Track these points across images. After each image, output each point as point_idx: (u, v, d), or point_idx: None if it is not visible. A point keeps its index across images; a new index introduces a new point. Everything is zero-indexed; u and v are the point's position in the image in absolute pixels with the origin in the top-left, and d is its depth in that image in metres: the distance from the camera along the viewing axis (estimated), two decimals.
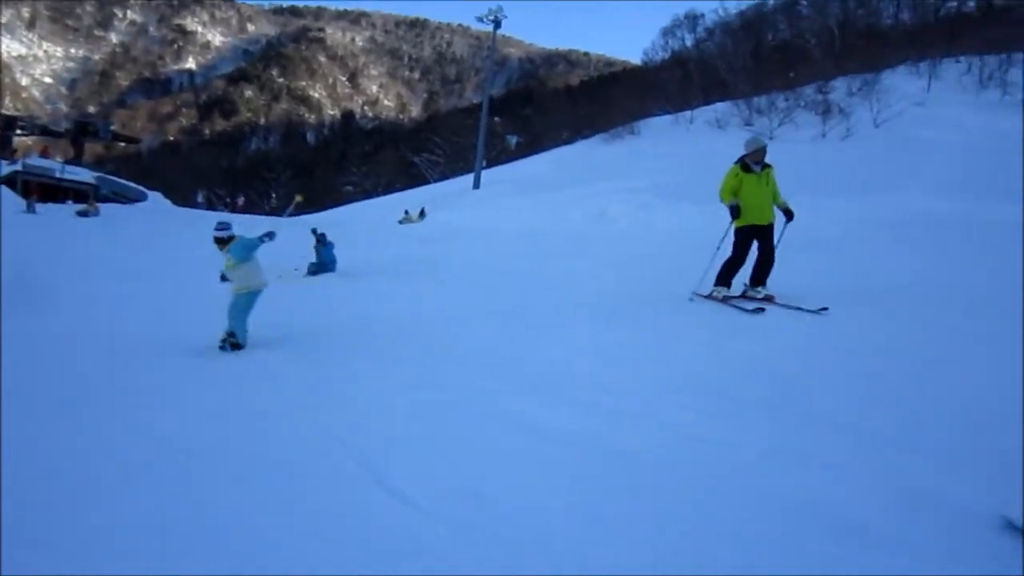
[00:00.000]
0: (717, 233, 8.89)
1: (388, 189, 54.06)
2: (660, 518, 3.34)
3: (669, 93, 43.84)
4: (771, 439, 4.26)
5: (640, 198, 22.85)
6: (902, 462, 3.86)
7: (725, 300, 8.32)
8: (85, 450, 4.43)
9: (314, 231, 14.10)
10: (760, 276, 8.42)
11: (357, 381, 5.93)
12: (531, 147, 52.34)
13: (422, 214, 28.30)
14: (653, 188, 24.03)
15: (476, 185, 34.42)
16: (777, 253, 8.38)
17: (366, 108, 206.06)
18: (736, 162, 8.60)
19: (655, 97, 44.08)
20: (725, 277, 8.54)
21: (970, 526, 3.16)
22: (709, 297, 8.51)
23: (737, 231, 8.52)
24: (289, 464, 4.15)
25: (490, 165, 41.62)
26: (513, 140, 60.30)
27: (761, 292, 8.30)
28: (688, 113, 38.45)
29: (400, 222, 27.47)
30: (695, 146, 31.79)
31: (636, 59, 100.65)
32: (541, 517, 3.39)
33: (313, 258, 13.86)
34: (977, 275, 9.51)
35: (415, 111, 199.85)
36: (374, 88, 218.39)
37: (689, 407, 4.90)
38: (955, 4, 49.00)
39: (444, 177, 48.59)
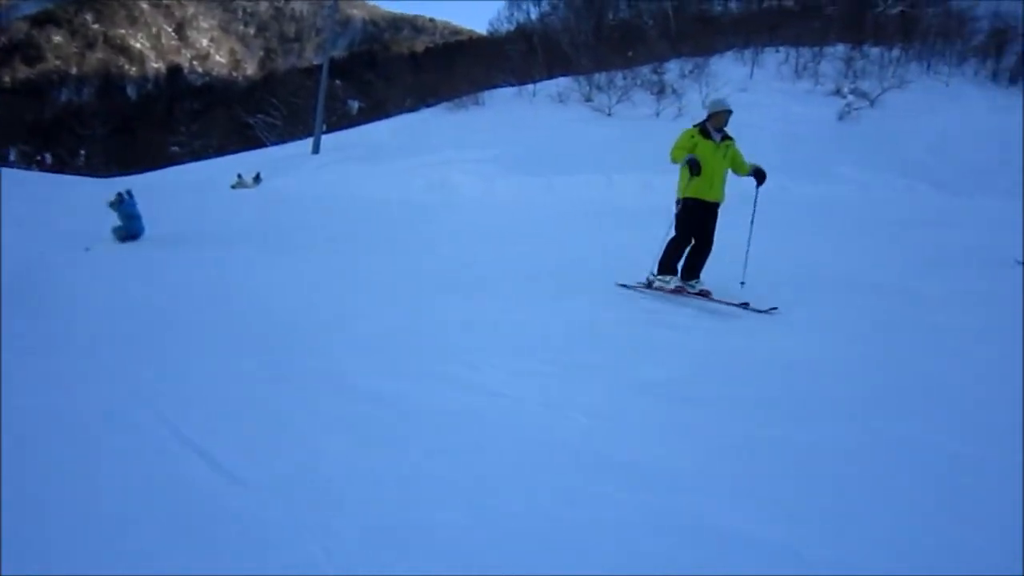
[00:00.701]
0: (557, 203, 8.97)
1: (220, 152, 50.63)
2: (486, 477, 3.43)
3: (514, 65, 43.92)
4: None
5: (483, 168, 22.81)
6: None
7: (678, 291, 7.45)
8: None
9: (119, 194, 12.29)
10: (694, 265, 7.51)
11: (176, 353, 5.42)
12: (374, 113, 50.89)
13: (257, 179, 26.72)
14: (496, 159, 24.06)
15: (316, 150, 32.94)
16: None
17: (195, 63, 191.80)
18: (695, 124, 7.67)
19: (500, 68, 44.02)
20: (669, 262, 7.52)
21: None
22: (650, 288, 7.61)
23: (683, 204, 7.50)
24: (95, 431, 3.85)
25: (331, 130, 40.06)
26: (355, 105, 58.42)
27: (696, 286, 7.47)
28: (531, 86, 38.73)
29: (233, 187, 25.79)
30: (538, 119, 32.16)
31: (482, 29, 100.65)
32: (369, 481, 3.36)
33: (118, 221, 11.95)
34: (798, 248, 10.50)
35: (250, 69, 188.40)
36: (204, 42, 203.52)
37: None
38: None
39: (282, 140, 46.09)
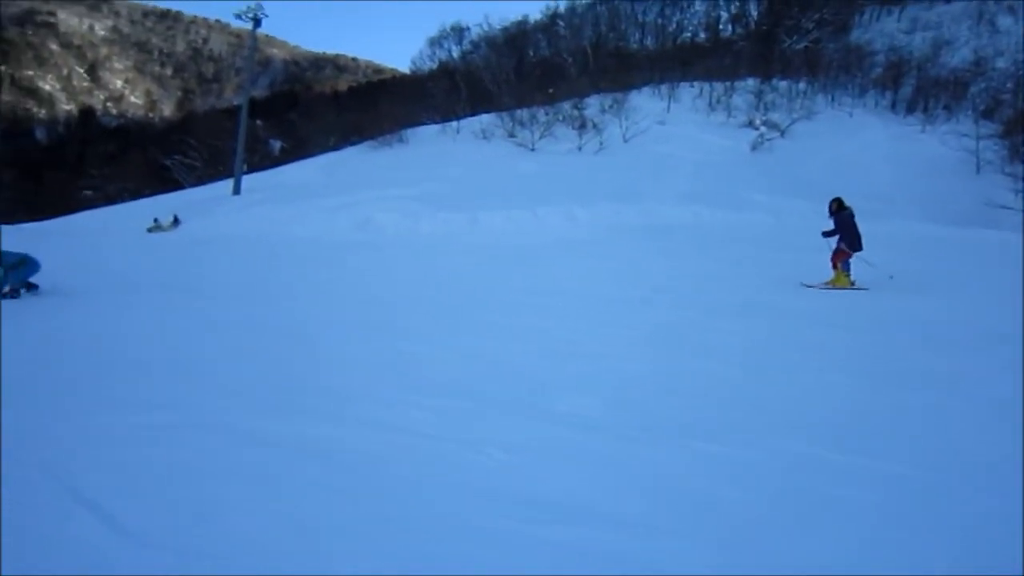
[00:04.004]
0: (481, 238, 9.03)
1: (136, 195, 49.04)
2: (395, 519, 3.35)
3: (437, 102, 44.31)
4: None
5: (407, 206, 22.75)
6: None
7: None
8: None
9: None
10: None
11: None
12: (297, 153, 50.34)
13: (175, 222, 25.97)
14: (420, 196, 24.04)
15: (236, 191, 32.24)
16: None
17: (109, 104, 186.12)
18: None
19: (423, 106, 44.33)
20: None
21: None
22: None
23: None
24: None
25: (252, 170, 39.38)
26: (277, 145, 57.68)
27: None
28: (455, 123, 39.06)
29: (149, 230, 25.04)
30: (462, 155, 32.38)
31: (405, 67, 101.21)
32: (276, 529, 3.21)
33: None
34: (708, 269, 10.82)
35: (167, 110, 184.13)
36: (119, 83, 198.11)
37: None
38: (690, 34, 54.77)
39: (201, 182, 45.04)
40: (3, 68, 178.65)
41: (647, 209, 20.54)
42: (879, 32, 47.10)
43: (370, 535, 3.20)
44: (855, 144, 30.55)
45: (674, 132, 32.35)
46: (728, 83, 37.73)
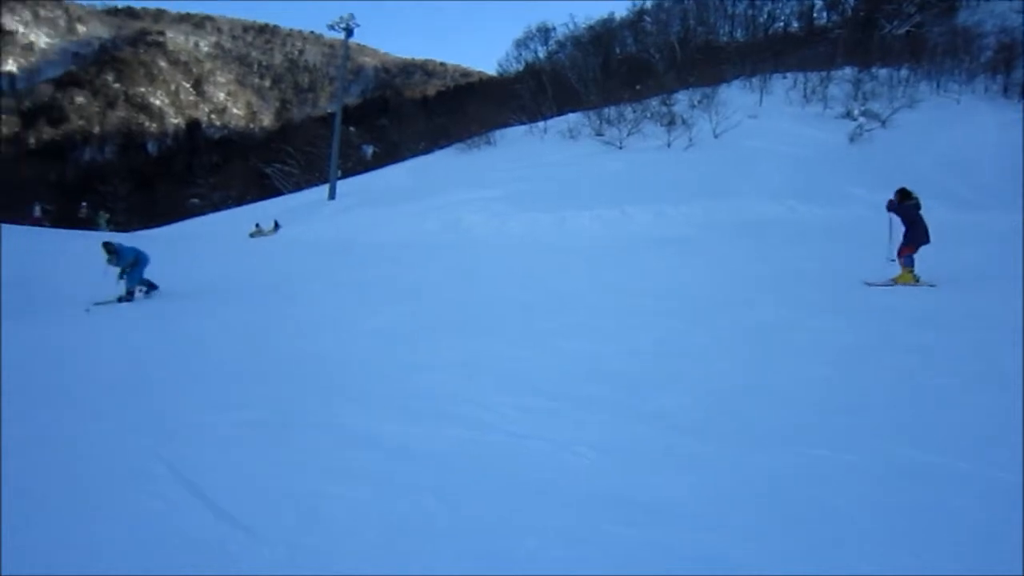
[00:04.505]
0: (569, 238, 9.06)
1: (239, 202, 51.48)
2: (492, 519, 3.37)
3: (524, 103, 44.57)
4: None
5: (495, 207, 22.97)
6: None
7: None
8: None
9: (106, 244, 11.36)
10: None
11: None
12: (388, 157, 51.55)
13: (276, 227, 27.13)
14: (508, 197, 24.23)
15: (332, 196, 33.42)
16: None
17: (213, 117, 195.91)
18: None
19: (510, 107, 44.66)
20: None
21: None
22: None
23: None
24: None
25: (346, 175, 40.62)
26: (369, 150, 59.12)
27: None
28: (542, 123, 39.17)
29: (251, 235, 26.21)
30: (549, 155, 32.43)
31: (491, 70, 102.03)
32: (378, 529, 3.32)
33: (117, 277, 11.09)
34: (811, 266, 10.46)
35: (266, 120, 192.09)
36: (221, 96, 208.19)
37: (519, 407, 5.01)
38: (782, 24, 53.02)
39: (299, 188, 46.82)
40: (118, 86, 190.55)
41: (739, 206, 20.05)
42: (989, 13, 44.20)
43: (467, 536, 3.24)
44: (962, 132, 28.84)
45: (767, 126, 31.40)
46: (824, 73, 36.32)
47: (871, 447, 4.15)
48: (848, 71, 36.69)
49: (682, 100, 35.56)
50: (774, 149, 27.72)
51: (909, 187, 11.22)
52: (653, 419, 4.75)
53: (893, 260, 10.72)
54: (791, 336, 7.29)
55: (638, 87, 38.50)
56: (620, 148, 32.12)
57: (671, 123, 33.09)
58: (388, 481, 3.87)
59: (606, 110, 35.81)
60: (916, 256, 10.55)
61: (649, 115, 34.53)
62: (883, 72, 36.30)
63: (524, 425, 4.69)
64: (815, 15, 53.47)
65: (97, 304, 10.46)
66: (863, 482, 3.70)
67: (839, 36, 45.04)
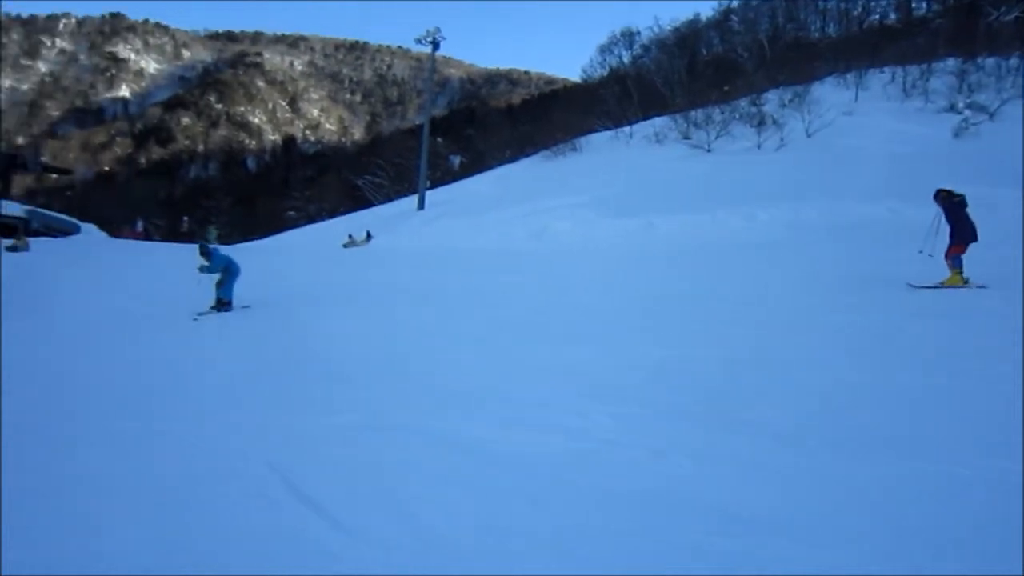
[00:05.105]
0: (657, 243, 9.04)
1: (333, 213, 53.34)
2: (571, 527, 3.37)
3: (608, 109, 44.42)
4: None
5: (581, 213, 23.02)
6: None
7: None
8: None
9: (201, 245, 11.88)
10: None
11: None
12: (474, 166, 52.38)
13: (368, 237, 28.01)
14: (594, 203, 24.24)
15: (420, 206, 34.25)
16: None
17: (307, 132, 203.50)
18: None
19: (595, 113, 44.61)
20: None
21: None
22: None
23: None
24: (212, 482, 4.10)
25: (434, 185, 41.50)
26: (456, 160, 60.16)
27: None
28: (627, 128, 38.98)
29: (344, 246, 27.14)
30: (635, 160, 32.23)
31: (575, 76, 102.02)
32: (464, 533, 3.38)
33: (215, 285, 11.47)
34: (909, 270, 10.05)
35: (357, 134, 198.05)
36: (315, 112, 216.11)
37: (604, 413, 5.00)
38: (877, 16, 50.98)
39: (389, 199, 48.17)
40: (220, 106, 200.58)
41: (835, 207, 19.39)
42: None
43: (559, 542, 3.25)
44: None
45: (863, 123, 30.22)
46: (924, 65, 34.67)
47: (977, 462, 3.94)
48: (951, 62, 34.86)
49: (772, 100, 34.69)
50: (872, 147, 26.65)
51: (948, 188, 10.58)
52: (749, 428, 4.67)
53: (920, 253, 10.27)
54: (885, 341, 7.06)
55: (726, 88, 37.81)
56: (708, 151, 31.61)
57: (761, 123, 32.35)
58: (483, 486, 3.94)
59: (693, 113, 35.33)
60: (964, 256, 9.97)
61: (738, 116, 33.86)
62: (990, 62, 34.32)
63: (618, 433, 4.69)
64: (913, 5, 51.17)
65: (201, 314, 11.06)
66: (972, 497, 3.54)
67: (940, 26, 42.90)
